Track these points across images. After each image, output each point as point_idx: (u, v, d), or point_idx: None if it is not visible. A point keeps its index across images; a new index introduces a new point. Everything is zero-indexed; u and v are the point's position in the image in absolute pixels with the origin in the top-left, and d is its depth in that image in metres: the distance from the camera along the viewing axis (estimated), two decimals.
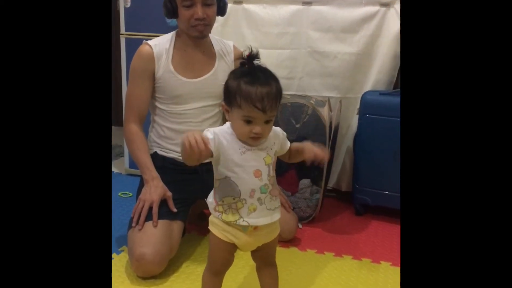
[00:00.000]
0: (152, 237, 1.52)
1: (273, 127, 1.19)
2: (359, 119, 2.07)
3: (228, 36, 2.14)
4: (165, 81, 1.67)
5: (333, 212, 2.17)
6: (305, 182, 1.99)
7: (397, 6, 2.09)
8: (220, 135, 1.13)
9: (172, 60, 1.67)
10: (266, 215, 1.17)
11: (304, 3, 2.18)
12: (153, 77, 1.67)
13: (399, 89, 2.10)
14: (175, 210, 1.61)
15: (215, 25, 1.72)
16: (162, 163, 1.70)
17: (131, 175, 2.53)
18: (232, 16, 2.23)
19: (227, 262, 1.24)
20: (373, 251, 1.80)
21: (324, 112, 1.93)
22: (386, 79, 2.16)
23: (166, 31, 1.76)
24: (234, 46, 1.79)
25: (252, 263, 1.30)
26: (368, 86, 2.17)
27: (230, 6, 2.12)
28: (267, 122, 1.12)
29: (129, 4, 2.34)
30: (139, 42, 1.75)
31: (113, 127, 2.26)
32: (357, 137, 2.12)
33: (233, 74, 1.15)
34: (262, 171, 1.15)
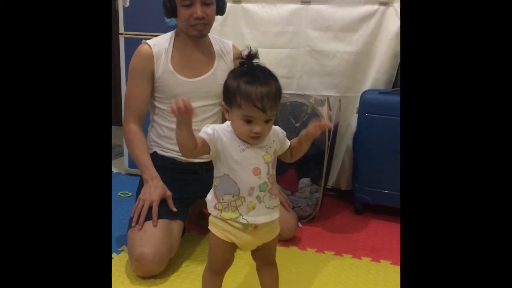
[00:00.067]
0: (152, 237, 1.52)
1: (273, 126, 1.19)
2: (359, 118, 2.07)
3: (227, 35, 2.14)
4: (164, 81, 1.67)
5: (333, 211, 2.18)
6: (304, 181, 2.00)
7: (396, 5, 2.09)
8: (220, 131, 1.14)
9: (171, 60, 1.67)
10: (265, 214, 1.17)
11: (303, 2, 2.18)
12: (152, 77, 1.67)
13: (398, 88, 2.10)
14: (174, 209, 1.61)
15: (214, 25, 1.72)
16: (161, 163, 1.70)
17: (131, 174, 2.53)
18: (231, 16, 2.23)
19: (227, 262, 1.24)
20: (373, 250, 1.80)
21: (324, 111, 1.93)
22: (385, 78, 2.16)
23: (165, 30, 1.76)
24: (233, 46, 1.79)
25: (252, 263, 1.30)
26: (367, 85, 2.17)
27: (229, 5, 2.12)
28: (267, 121, 1.12)
29: (128, 4, 2.34)
30: (138, 42, 1.75)
31: (112, 127, 2.26)
32: (356, 136, 2.12)
33: (233, 74, 1.15)
34: (261, 169, 1.15)
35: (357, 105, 2.11)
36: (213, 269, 1.24)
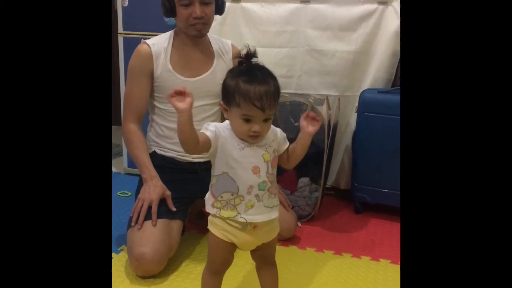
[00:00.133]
0: (151, 236, 1.52)
1: (272, 126, 1.19)
2: (358, 117, 2.07)
3: (226, 35, 2.13)
4: (164, 80, 1.67)
5: (332, 210, 2.18)
6: (304, 180, 2.00)
7: (395, 4, 2.09)
8: (220, 129, 1.14)
9: (170, 59, 1.67)
10: (263, 213, 1.17)
11: (302, 2, 2.18)
12: (151, 76, 1.67)
13: (397, 87, 2.10)
14: (174, 209, 1.61)
15: (213, 24, 1.72)
16: (161, 162, 1.70)
17: (130, 174, 2.53)
18: (230, 15, 2.23)
19: (227, 262, 1.24)
20: (372, 249, 1.80)
21: (323, 110, 1.93)
22: (385, 77, 2.16)
23: (164, 30, 1.76)
24: (232, 45, 1.79)
25: (252, 262, 1.30)
26: (366, 84, 2.17)
27: (228, 4, 2.11)
28: (265, 120, 1.12)
29: (126, 3, 2.34)
30: (137, 41, 1.74)
31: (111, 127, 2.26)
32: (355, 135, 2.12)
33: (231, 73, 1.15)
34: (260, 167, 1.15)
35: (356, 104, 2.11)
36: (212, 269, 1.24)
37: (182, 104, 1.07)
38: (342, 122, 2.24)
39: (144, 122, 1.73)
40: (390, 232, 1.96)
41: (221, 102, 1.17)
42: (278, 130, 1.22)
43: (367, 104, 2.03)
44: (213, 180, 1.18)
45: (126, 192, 2.25)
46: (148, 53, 1.65)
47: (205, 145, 1.12)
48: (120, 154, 2.76)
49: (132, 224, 1.57)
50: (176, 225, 1.62)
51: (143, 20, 2.32)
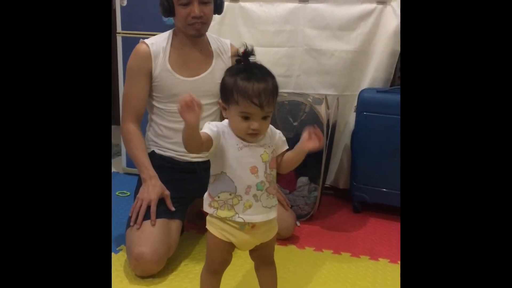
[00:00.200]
0: (150, 236, 1.51)
1: (272, 127, 1.19)
2: (357, 116, 2.07)
3: (225, 34, 2.13)
4: (162, 80, 1.67)
5: (331, 210, 2.18)
6: (303, 180, 2.00)
7: (394, 4, 2.09)
8: (220, 128, 1.14)
9: (169, 59, 1.67)
10: (261, 213, 1.17)
11: (301, 1, 2.17)
12: (150, 76, 1.67)
13: (396, 87, 2.11)
14: (173, 208, 1.61)
15: (212, 24, 1.72)
16: (159, 162, 1.70)
17: (129, 174, 2.53)
18: (229, 14, 2.23)
19: (225, 261, 1.24)
20: (371, 248, 1.80)
21: (322, 110, 1.93)
22: (383, 76, 2.16)
23: (162, 29, 1.76)
24: (231, 45, 1.79)
25: (250, 262, 1.30)
26: (365, 84, 2.17)
27: (226, 4, 2.11)
28: (264, 118, 1.12)
29: (125, 3, 2.34)
30: (135, 41, 1.74)
31: None
32: (354, 135, 2.12)
33: (229, 72, 1.16)
34: (258, 168, 1.15)
35: (355, 103, 2.11)
36: (211, 269, 1.24)
37: (191, 117, 1.03)
38: (341, 121, 2.24)
39: (143, 122, 1.73)
40: (389, 231, 1.97)
41: (220, 101, 1.17)
42: (278, 132, 1.22)
43: (366, 104, 2.03)
44: (211, 179, 1.18)
45: (125, 191, 2.25)
46: (146, 53, 1.65)
47: (207, 144, 1.12)
48: (118, 153, 2.76)
49: (131, 223, 1.56)
50: (175, 224, 1.62)
51: (142, 19, 2.32)
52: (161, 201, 1.60)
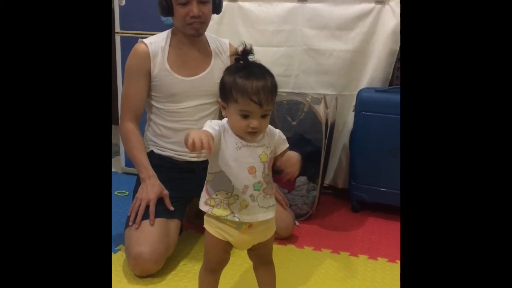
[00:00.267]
0: (149, 236, 1.52)
1: (271, 127, 1.19)
2: (355, 116, 2.08)
3: (224, 34, 2.13)
4: (161, 80, 1.67)
5: (330, 209, 2.18)
6: (301, 179, 2.00)
7: (392, 3, 2.09)
8: (221, 127, 1.14)
9: (167, 59, 1.67)
10: (258, 213, 1.16)
11: (300, 1, 2.18)
12: (149, 76, 1.67)
13: (395, 86, 2.11)
14: (172, 208, 1.62)
15: (211, 23, 1.72)
16: (158, 162, 1.70)
17: (128, 173, 2.52)
18: (228, 14, 2.23)
19: (223, 260, 1.24)
20: (370, 248, 1.81)
21: (320, 109, 1.93)
22: (382, 76, 2.16)
23: (161, 29, 1.76)
24: (230, 44, 1.79)
25: (249, 261, 1.30)
26: (363, 83, 2.17)
27: (225, 4, 2.12)
28: (263, 116, 1.12)
29: (123, 3, 2.34)
30: (134, 41, 1.74)
31: None
32: (353, 134, 2.12)
33: (228, 70, 1.16)
34: (256, 168, 1.15)
35: (354, 103, 2.11)
36: (209, 268, 1.24)
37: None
38: (340, 121, 2.24)
39: (142, 122, 1.73)
40: (388, 230, 1.97)
41: (219, 100, 1.17)
42: (278, 131, 1.22)
43: (365, 103, 2.03)
44: (209, 177, 1.18)
45: (124, 191, 2.25)
46: (145, 53, 1.65)
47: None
48: (117, 153, 2.76)
49: (130, 223, 1.57)
50: (174, 224, 1.62)
51: (140, 19, 2.31)
52: (160, 201, 1.60)
